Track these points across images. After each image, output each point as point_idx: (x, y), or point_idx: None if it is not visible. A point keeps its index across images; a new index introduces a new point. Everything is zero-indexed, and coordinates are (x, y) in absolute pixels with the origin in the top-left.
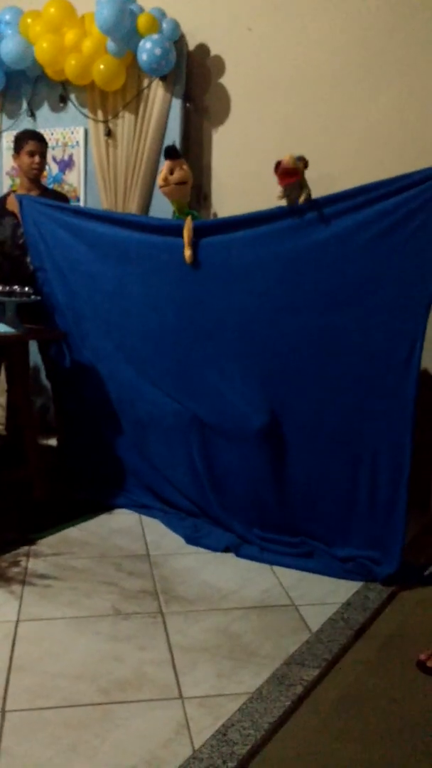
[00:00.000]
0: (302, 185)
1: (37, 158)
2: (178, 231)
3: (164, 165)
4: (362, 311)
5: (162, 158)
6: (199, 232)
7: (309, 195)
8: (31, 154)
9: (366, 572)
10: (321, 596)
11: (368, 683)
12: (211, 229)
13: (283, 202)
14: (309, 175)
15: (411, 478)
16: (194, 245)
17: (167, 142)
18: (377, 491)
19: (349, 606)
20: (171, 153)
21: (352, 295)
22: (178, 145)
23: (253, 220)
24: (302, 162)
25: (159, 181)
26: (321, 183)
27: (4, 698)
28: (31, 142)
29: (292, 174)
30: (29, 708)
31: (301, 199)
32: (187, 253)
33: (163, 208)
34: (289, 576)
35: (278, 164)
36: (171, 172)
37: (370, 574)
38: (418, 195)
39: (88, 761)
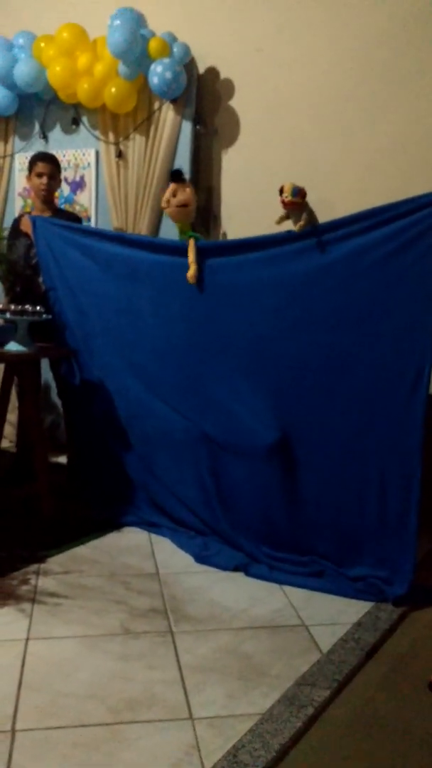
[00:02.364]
0: (303, 209)
1: (44, 179)
2: (186, 251)
3: (169, 187)
4: (370, 332)
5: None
6: (208, 253)
7: (309, 222)
8: (39, 176)
9: (377, 592)
10: (331, 616)
11: (379, 704)
12: (220, 249)
13: (282, 227)
14: (317, 196)
15: (421, 499)
16: (202, 265)
17: (177, 163)
18: (387, 511)
19: (360, 626)
20: (176, 176)
21: (359, 316)
22: (187, 166)
23: (262, 243)
24: (300, 195)
25: (162, 202)
26: (327, 205)
27: (14, 717)
28: (40, 164)
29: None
30: (39, 727)
31: (299, 225)
32: (191, 272)
33: (173, 229)
34: (299, 595)
35: (281, 190)
36: (174, 194)
37: (381, 594)
38: (424, 218)
39: None
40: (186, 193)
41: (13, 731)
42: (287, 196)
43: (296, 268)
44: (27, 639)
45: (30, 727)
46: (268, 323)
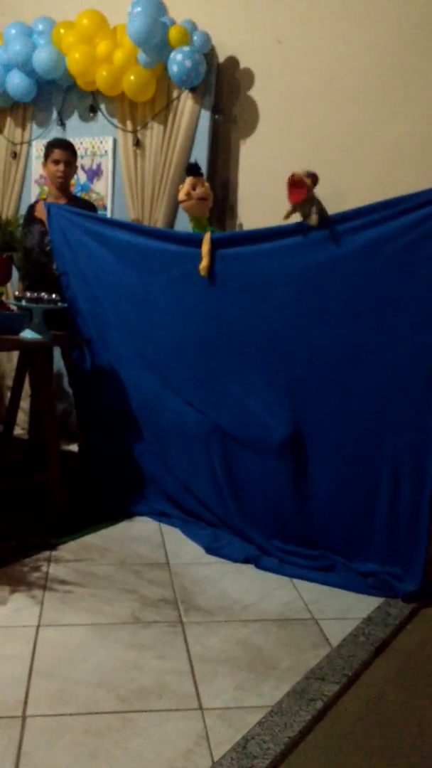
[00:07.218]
0: (312, 202)
1: (61, 166)
2: (200, 243)
3: (186, 181)
4: (386, 325)
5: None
6: (221, 244)
7: (320, 214)
8: (56, 163)
9: (387, 588)
10: (341, 611)
11: (389, 699)
12: (234, 241)
13: (290, 221)
14: (334, 188)
15: None
16: (216, 257)
17: (195, 153)
18: (399, 507)
19: (370, 621)
20: (194, 170)
21: (374, 309)
22: (205, 156)
23: (276, 233)
24: (312, 179)
25: (181, 195)
26: (344, 197)
27: (25, 703)
28: (56, 151)
29: (300, 186)
30: (50, 714)
31: (313, 219)
32: (203, 264)
33: (188, 220)
34: (309, 589)
35: (291, 177)
36: (193, 187)
37: (392, 590)
38: None
39: None
40: (205, 187)
41: (24, 717)
42: (300, 174)
43: (310, 260)
44: (38, 626)
45: (40, 713)
46: (281, 316)
